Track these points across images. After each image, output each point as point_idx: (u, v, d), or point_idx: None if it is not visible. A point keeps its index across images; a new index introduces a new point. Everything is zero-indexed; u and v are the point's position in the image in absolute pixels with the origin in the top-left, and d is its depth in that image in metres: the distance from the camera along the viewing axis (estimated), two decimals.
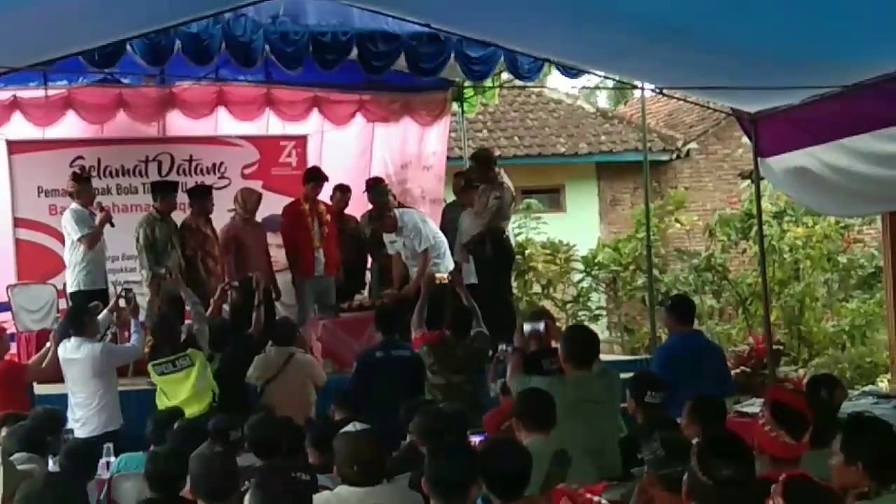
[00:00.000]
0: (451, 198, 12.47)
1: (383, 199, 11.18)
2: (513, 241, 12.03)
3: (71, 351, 8.44)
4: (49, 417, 7.01)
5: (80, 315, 8.75)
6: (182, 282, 9.52)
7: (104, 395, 8.43)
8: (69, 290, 10.45)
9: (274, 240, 11.63)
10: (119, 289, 9.56)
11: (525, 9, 7.89)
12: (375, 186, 11.45)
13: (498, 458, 4.45)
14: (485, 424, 6.57)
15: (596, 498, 3.89)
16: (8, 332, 9.85)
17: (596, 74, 10.69)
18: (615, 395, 6.49)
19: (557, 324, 7.94)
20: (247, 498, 4.09)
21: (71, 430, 7.72)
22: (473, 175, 11.26)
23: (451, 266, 10.59)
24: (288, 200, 11.65)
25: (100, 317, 8.95)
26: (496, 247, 10.77)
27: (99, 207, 10.45)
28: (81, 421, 8.27)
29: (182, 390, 8.27)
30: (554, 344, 7.40)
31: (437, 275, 9.76)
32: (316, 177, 11.41)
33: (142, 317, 9.25)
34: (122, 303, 9.22)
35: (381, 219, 10.95)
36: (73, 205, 10.51)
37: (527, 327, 7.35)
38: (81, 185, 10.66)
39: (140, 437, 6.90)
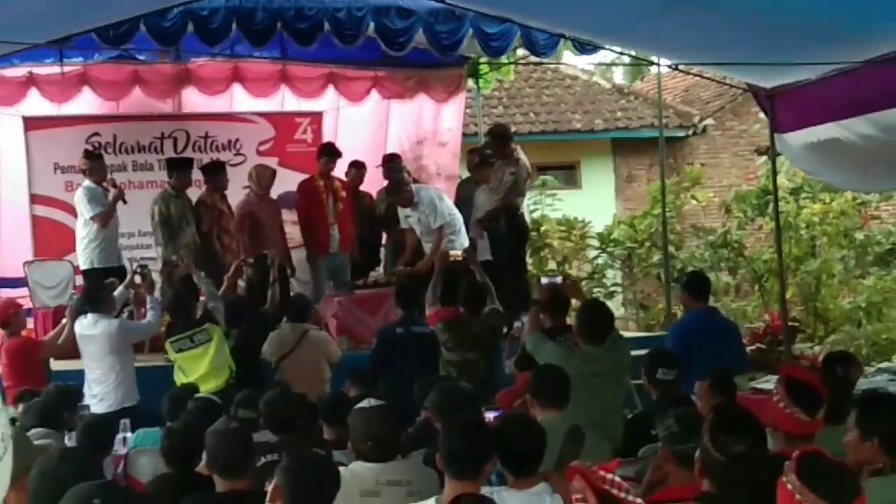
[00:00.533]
0: (467, 174, 12.45)
1: (398, 176, 11.17)
2: (528, 218, 12.00)
3: (87, 327, 8.47)
4: (64, 393, 7.05)
5: (97, 291, 8.77)
6: (193, 267, 9.50)
7: (121, 371, 8.45)
8: (82, 267, 10.48)
9: (289, 216, 11.64)
10: (135, 265, 9.58)
11: None
12: (391, 163, 11.46)
13: (512, 435, 4.46)
14: (499, 401, 6.58)
15: (609, 475, 3.88)
16: (24, 308, 9.89)
17: (612, 51, 10.63)
18: (624, 368, 6.57)
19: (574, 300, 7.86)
20: (276, 474, 4.10)
21: (87, 406, 7.76)
22: (489, 150, 11.24)
23: (466, 243, 10.58)
24: (303, 177, 11.64)
25: (115, 293, 8.97)
26: (511, 223, 10.76)
27: (112, 184, 10.46)
28: (99, 397, 8.31)
29: (200, 366, 8.30)
30: (574, 301, 7.42)
31: (452, 252, 9.74)
32: (329, 152, 11.40)
33: (157, 293, 9.26)
34: (137, 279, 9.25)
35: (398, 193, 10.93)
36: (86, 182, 10.51)
37: (545, 280, 7.36)
38: (94, 163, 10.66)
39: (157, 413, 6.93)
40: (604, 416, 6.04)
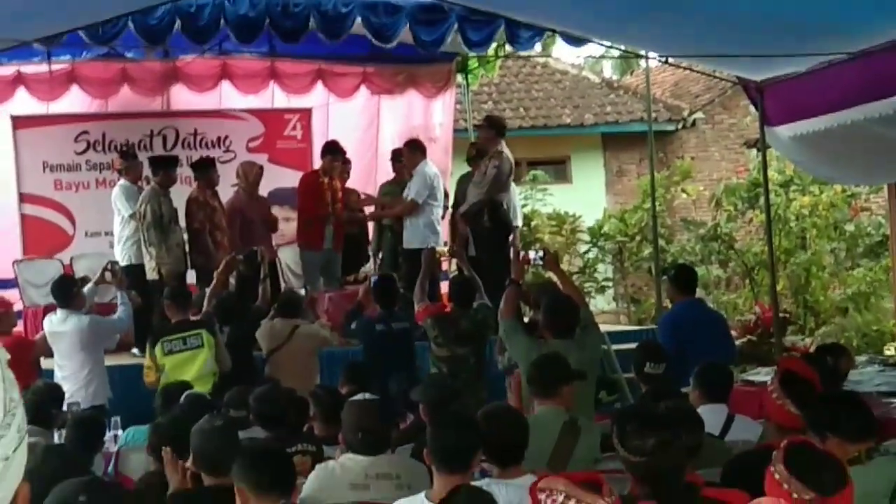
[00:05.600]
0: (458, 171, 12.42)
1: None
2: (519, 213, 11.92)
3: (57, 324, 8.38)
4: (52, 390, 6.99)
5: (67, 288, 8.63)
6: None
7: (92, 368, 8.35)
8: (122, 263, 10.42)
9: (280, 213, 11.60)
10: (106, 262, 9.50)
11: None
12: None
13: (495, 427, 4.47)
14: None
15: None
16: (14, 307, 9.85)
17: (601, 44, 10.61)
18: (593, 361, 6.55)
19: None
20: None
21: (77, 403, 7.70)
22: (480, 134, 11.16)
23: (434, 241, 10.54)
24: (292, 173, 11.61)
25: (85, 289, 8.89)
26: (494, 218, 10.66)
27: (147, 182, 10.59)
28: (68, 394, 8.09)
29: (187, 371, 7.98)
30: (552, 276, 7.34)
31: (438, 248, 9.70)
32: (334, 150, 11.29)
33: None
34: (107, 276, 9.14)
35: (415, 152, 11.00)
36: (122, 181, 10.78)
37: (522, 255, 7.29)
38: (129, 162, 10.94)
39: (140, 410, 6.90)
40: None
